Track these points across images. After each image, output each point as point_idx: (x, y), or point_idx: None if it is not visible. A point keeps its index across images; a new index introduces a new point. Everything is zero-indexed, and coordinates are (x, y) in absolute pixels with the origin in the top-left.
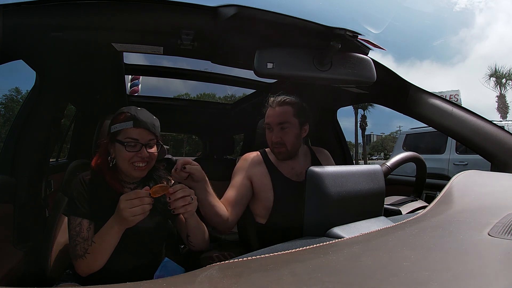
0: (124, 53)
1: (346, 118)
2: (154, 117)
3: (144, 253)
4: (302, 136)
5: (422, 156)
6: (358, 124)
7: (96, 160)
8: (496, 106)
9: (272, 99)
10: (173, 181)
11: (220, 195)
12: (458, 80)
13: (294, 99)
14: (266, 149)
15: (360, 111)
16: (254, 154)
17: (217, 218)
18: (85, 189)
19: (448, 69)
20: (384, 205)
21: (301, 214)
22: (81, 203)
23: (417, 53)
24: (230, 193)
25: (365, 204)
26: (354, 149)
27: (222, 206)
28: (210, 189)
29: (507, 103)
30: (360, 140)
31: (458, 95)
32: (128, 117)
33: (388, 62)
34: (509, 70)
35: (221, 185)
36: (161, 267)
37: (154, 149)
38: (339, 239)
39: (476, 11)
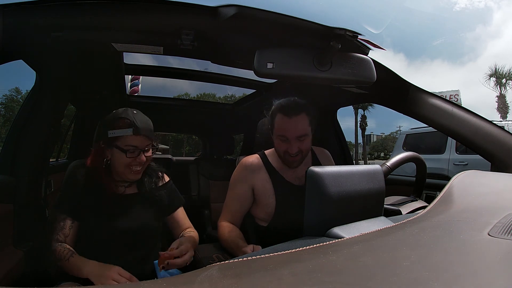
0: (124, 53)
1: (346, 118)
2: (148, 119)
3: (134, 250)
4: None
5: (422, 156)
6: (358, 124)
7: (91, 160)
8: (496, 106)
9: (284, 105)
10: (167, 178)
11: (220, 194)
12: (467, 79)
13: (305, 103)
14: (265, 152)
15: (360, 111)
16: (253, 159)
17: None
18: (76, 187)
19: (458, 68)
20: (384, 205)
21: (303, 217)
22: (68, 200)
23: (426, 52)
24: (235, 205)
25: (365, 204)
26: (354, 149)
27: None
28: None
29: (507, 103)
30: (360, 140)
31: (458, 95)
32: (127, 124)
33: (399, 61)
34: (509, 70)
35: (221, 185)
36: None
37: (149, 153)
38: (339, 239)
39: (478, 11)
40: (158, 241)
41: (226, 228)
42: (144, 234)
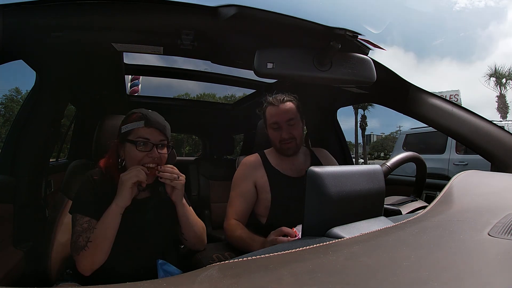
0: (124, 53)
1: (346, 118)
2: (165, 121)
3: (146, 253)
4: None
5: (422, 156)
6: (358, 124)
7: (106, 161)
8: (496, 106)
9: (272, 98)
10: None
11: (220, 194)
12: (468, 79)
13: (292, 96)
14: (265, 151)
15: (360, 111)
16: (253, 158)
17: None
18: (94, 189)
19: (458, 67)
20: (384, 205)
21: (301, 210)
22: (90, 202)
23: (427, 52)
24: (240, 203)
25: (365, 204)
26: (354, 149)
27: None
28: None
29: (507, 103)
30: (360, 140)
31: (458, 95)
32: (139, 117)
33: (399, 60)
34: (509, 70)
35: (221, 185)
36: (158, 270)
37: (164, 151)
38: (339, 239)
39: (478, 11)
40: (171, 245)
41: (237, 226)
42: (156, 239)
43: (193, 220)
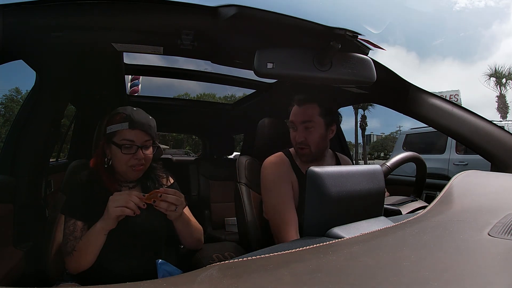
0: (124, 53)
1: (346, 118)
2: (150, 117)
3: (141, 252)
4: (328, 137)
5: (422, 156)
6: (358, 124)
7: (94, 161)
8: (496, 106)
9: (298, 96)
10: (172, 179)
11: (220, 194)
12: (469, 78)
13: (321, 98)
14: (290, 149)
15: (360, 111)
16: (282, 157)
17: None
18: (81, 190)
19: (459, 67)
20: (384, 205)
21: None
22: (76, 203)
23: (427, 52)
24: (291, 208)
25: (365, 204)
26: (354, 149)
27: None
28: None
29: (507, 103)
30: (360, 140)
31: (458, 95)
32: (123, 118)
33: (399, 60)
34: (509, 70)
35: (221, 185)
36: (158, 270)
37: (149, 151)
38: (339, 239)
39: (478, 11)
40: (163, 243)
41: None
42: (148, 236)
43: (191, 227)
